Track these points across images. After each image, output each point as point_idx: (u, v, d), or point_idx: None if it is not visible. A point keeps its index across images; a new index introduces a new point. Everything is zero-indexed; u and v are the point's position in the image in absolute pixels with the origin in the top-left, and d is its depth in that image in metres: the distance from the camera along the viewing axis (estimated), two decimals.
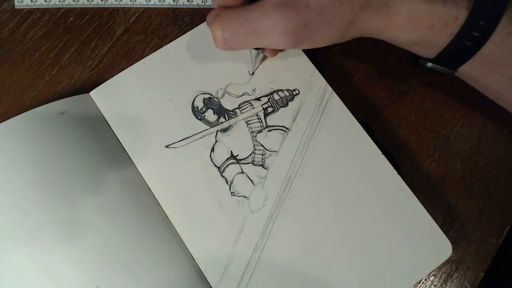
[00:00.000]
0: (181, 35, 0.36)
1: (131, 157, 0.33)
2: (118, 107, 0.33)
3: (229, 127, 0.33)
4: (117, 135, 0.33)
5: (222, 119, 0.33)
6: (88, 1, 0.37)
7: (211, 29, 0.27)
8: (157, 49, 0.35)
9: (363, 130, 0.32)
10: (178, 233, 0.31)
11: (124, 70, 0.34)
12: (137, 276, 0.29)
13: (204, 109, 0.33)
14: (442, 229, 0.30)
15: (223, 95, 0.34)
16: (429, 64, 0.30)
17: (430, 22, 0.26)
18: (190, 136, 0.33)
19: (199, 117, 0.33)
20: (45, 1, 0.37)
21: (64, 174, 0.30)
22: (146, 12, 0.37)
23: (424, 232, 0.30)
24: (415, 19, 0.26)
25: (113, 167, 0.32)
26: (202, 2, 0.37)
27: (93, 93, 0.34)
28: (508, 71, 0.27)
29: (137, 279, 0.29)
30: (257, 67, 0.33)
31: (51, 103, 0.32)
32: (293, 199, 0.31)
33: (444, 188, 0.33)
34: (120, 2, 0.37)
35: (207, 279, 0.30)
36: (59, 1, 0.37)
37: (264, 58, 0.34)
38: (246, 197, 0.32)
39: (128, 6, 0.37)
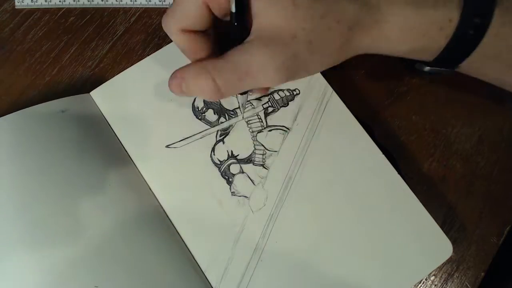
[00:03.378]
0: None
1: (131, 157, 0.33)
2: (118, 107, 0.33)
3: (229, 127, 0.33)
4: (117, 135, 0.33)
5: (222, 119, 0.33)
6: (88, 1, 0.37)
7: (196, 83, 0.25)
8: (157, 49, 0.35)
9: (364, 130, 0.32)
10: (178, 233, 0.31)
11: (125, 71, 0.34)
12: (136, 276, 0.29)
13: (204, 109, 0.33)
14: (442, 229, 0.30)
15: None
16: (427, 68, 0.29)
17: (424, 29, 0.25)
18: (190, 136, 0.33)
19: (200, 117, 0.33)
20: (46, 1, 0.37)
21: (63, 172, 0.30)
22: (147, 12, 0.37)
23: (424, 232, 0.30)
24: (408, 30, 0.25)
25: (114, 166, 0.32)
26: None
27: (94, 93, 0.34)
28: (506, 58, 0.26)
29: (136, 279, 0.29)
30: (247, 109, 0.33)
31: (51, 101, 0.32)
32: (294, 199, 0.31)
33: (444, 188, 0.33)
34: (121, 2, 0.37)
35: (208, 279, 0.30)
36: (60, 1, 0.37)
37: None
38: (247, 197, 0.32)
39: (129, 6, 0.37)
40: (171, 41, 0.36)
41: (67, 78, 0.35)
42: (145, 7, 0.37)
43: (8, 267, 0.27)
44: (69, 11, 0.37)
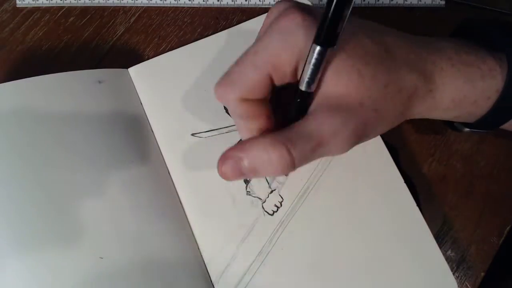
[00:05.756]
0: (181, 34, 0.36)
1: (156, 137, 0.33)
2: (153, 87, 0.34)
3: None
4: (147, 113, 0.33)
5: None
6: (89, 0, 0.37)
7: (266, 157, 0.23)
8: (157, 49, 0.35)
9: (389, 155, 0.32)
10: (188, 222, 0.31)
11: (168, 53, 0.34)
12: (143, 257, 0.29)
13: None
14: (442, 229, 0.30)
15: None
16: (466, 129, 0.30)
17: (473, 99, 0.26)
18: (217, 129, 0.33)
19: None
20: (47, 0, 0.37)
21: (93, 141, 0.31)
22: (147, 12, 0.37)
23: (432, 266, 0.30)
24: (459, 99, 0.26)
25: (138, 143, 0.32)
26: (203, 1, 0.37)
27: (132, 70, 0.34)
28: None
29: (143, 259, 0.29)
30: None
31: (92, 70, 0.33)
32: (307, 210, 0.31)
33: (444, 188, 0.33)
34: (122, 1, 0.37)
35: (209, 272, 0.30)
36: (61, 0, 0.37)
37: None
38: (261, 199, 0.32)
39: (129, 5, 0.37)
40: (171, 41, 0.36)
41: None
42: (146, 6, 0.37)
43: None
44: (69, 11, 0.37)
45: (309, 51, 0.21)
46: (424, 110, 0.26)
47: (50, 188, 0.29)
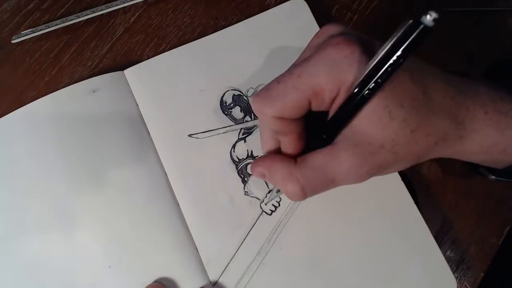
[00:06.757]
0: (181, 35, 0.36)
1: (153, 140, 0.33)
2: (150, 89, 0.34)
3: (253, 127, 0.33)
4: (143, 116, 0.33)
5: (248, 118, 0.33)
6: (92, 11, 0.36)
7: (282, 185, 0.26)
8: (157, 50, 0.35)
9: None
10: (186, 223, 0.31)
11: (162, 54, 0.34)
12: (142, 259, 0.30)
13: (232, 105, 0.33)
14: (442, 229, 0.30)
15: (253, 94, 0.34)
16: (492, 177, 0.30)
17: (502, 147, 0.26)
18: (214, 129, 0.33)
19: (226, 112, 0.33)
20: (47, 27, 0.36)
21: (90, 152, 0.31)
22: (146, 12, 0.37)
23: (432, 266, 0.30)
24: (487, 147, 0.26)
25: (135, 148, 0.32)
26: None
27: (128, 72, 0.34)
28: None
29: (141, 261, 0.30)
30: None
31: (85, 81, 0.33)
32: (305, 210, 0.31)
33: (444, 188, 0.33)
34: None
35: (207, 273, 0.30)
36: (62, 21, 0.36)
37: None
38: (259, 199, 0.32)
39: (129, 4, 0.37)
40: (170, 41, 0.36)
41: (66, 78, 0.35)
42: (145, 6, 0.37)
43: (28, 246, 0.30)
44: (68, 11, 0.37)
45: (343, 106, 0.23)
46: (450, 153, 0.26)
47: (49, 190, 0.30)
